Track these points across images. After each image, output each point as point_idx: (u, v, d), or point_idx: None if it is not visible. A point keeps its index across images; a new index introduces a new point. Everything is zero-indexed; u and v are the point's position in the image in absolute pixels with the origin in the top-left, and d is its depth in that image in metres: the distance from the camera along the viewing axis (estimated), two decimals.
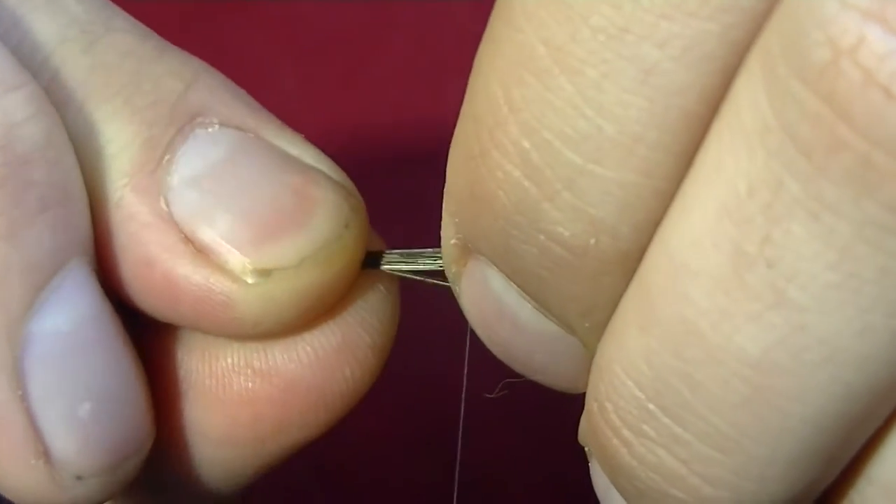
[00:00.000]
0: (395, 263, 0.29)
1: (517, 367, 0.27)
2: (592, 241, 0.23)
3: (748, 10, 0.21)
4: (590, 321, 0.24)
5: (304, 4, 0.55)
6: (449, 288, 0.28)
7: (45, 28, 0.28)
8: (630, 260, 0.23)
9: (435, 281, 0.29)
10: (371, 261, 0.29)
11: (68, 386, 0.26)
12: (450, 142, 0.26)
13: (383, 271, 0.29)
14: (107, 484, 0.27)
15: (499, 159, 0.23)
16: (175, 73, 0.28)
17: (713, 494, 0.23)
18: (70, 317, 0.26)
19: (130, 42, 0.28)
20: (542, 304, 0.25)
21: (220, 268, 0.27)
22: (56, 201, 0.26)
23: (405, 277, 0.30)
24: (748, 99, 0.21)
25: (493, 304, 0.26)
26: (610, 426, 0.24)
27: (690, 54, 0.21)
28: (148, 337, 0.29)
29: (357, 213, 0.28)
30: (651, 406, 0.23)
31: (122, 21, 0.29)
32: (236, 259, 0.27)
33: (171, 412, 0.29)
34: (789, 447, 0.22)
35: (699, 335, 0.22)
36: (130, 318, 0.28)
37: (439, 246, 0.27)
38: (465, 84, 0.26)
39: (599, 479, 0.26)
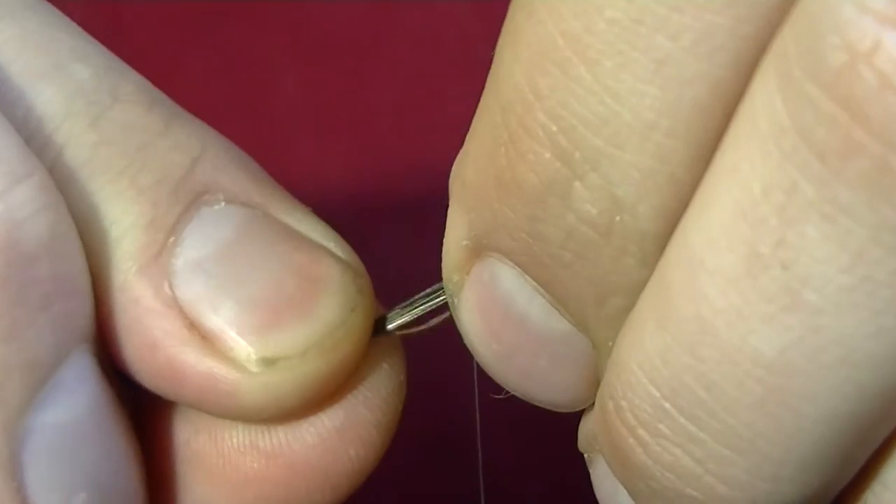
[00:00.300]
0: (398, 319, 0.29)
1: (516, 379, 0.27)
2: (617, 218, 0.23)
3: (758, 5, 0.21)
4: (606, 309, 0.24)
5: (307, 6, 0.55)
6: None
7: (52, 99, 0.27)
8: (648, 242, 0.23)
9: (442, 321, 0.29)
10: (377, 327, 0.29)
11: (65, 477, 0.26)
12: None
13: (391, 334, 0.29)
14: None
15: (530, 143, 0.23)
16: (181, 147, 0.28)
17: (728, 494, 0.23)
18: (69, 409, 0.26)
19: (137, 113, 0.28)
20: (559, 294, 0.25)
21: (225, 356, 0.27)
22: (59, 296, 0.25)
23: (412, 335, 0.29)
24: (764, 101, 0.21)
25: (500, 306, 0.26)
26: (626, 425, 0.24)
27: (701, 46, 0.21)
28: (156, 413, 0.29)
29: (363, 294, 0.28)
30: (667, 405, 0.23)
31: (130, 86, 0.28)
32: (241, 348, 0.26)
33: (178, 490, 0.29)
34: (803, 448, 0.22)
35: (715, 334, 0.22)
36: (137, 393, 0.28)
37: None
38: (468, 86, 0.26)
39: (604, 483, 0.26)
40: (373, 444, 0.29)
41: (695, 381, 0.22)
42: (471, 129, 0.25)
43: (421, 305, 0.29)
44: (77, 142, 0.27)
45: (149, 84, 0.29)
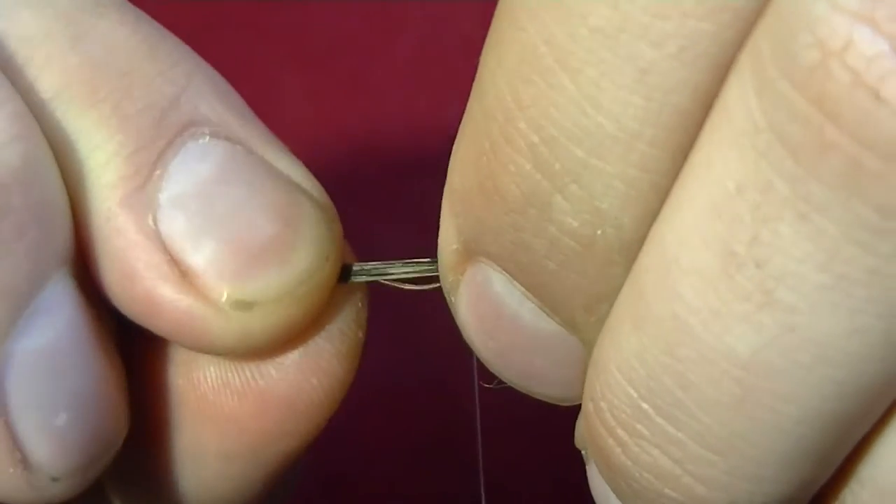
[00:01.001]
0: (364, 275, 0.30)
1: (514, 377, 0.27)
2: (599, 231, 0.23)
3: (742, 9, 0.21)
4: (595, 315, 0.24)
5: (309, 10, 0.55)
6: (432, 293, 0.28)
7: (29, 22, 0.27)
8: (633, 252, 0.23)
9: (406, 286, 0.29)
10: (343, 275, 0.29)
11: (46, 399, 0.26)
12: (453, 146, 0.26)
13: (354, 283, 0.29)
14: (80, 481, 0.27)
15: (511, 153, 0.23)
16: (167, 74, 0.27)
17: (707, 495, 0.23)
18: (49, 334, 0.26)
19: (121, 35, 0.27)
20: (548, 300, 0.25)
21: (202, 295, 0.27)
22: (34, 224, 0.25)
23: (377, 284, 0.30)
24: (738, 99, 0.21)
25: (493, 307, 0.26)
26: (605, 425, 0.24)
27: (686, 53, 0.21)
28: (146, 357, 0.30)
29: (336, 243, 0.28)
30: (644, 405, 0.23)
31: (113, 5, 0.28)
32: (218, 289, 0.27)
33: (171, 431, 0.30)
34: (782, 448, 0.22)
35: (690, 334, 0.22)
36: (129, 333, 0.29)
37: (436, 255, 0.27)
38: (469, 89, 0.26)
39: (597, 482, 0.26)
40: (335, 371, 0.29)
41: (672, 381, 0.22)
42: (457, 136, 0.25)
43: (393, 273, 0.29)
44: (57, 65, 0.27)
45: (131, 5, 0.28)
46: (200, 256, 0.27)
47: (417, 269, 0.29)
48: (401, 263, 0.30)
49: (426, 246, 0.30)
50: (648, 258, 0.22)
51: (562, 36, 0.22)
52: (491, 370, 0.27)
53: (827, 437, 0.22)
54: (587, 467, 0.27)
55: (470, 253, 0.26)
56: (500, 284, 0.26)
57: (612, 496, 0.25)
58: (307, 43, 0.55)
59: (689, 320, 0.22)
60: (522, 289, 0.25)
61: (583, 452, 0.27)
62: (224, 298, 0.27)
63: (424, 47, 0.52)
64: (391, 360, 0.51)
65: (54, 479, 0.27)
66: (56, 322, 0.26)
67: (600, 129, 0.22)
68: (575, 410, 0.27)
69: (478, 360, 0.29)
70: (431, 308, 0.33)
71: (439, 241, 0.27)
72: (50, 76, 0.27)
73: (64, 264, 0.26)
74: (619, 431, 0.23)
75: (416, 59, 0.53)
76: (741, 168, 0.21)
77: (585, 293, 0.24)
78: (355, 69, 0.54)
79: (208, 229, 0.27)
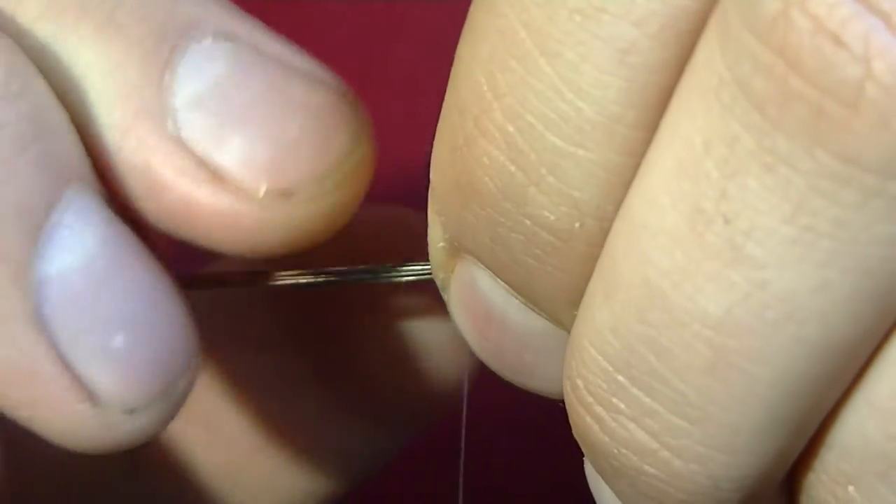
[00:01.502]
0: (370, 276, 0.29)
1: (508, 372, 0.27)
2: (577, 224, 0.23)
3: None
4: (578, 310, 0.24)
5: (312, 8, 0.55)
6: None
7: None
8: None
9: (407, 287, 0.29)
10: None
11: (94, 321, 0.24)
12: None
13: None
14: (161, 411, 0.26)
15: (485, 146, 0.23)
16: None
17: (684, 468, 0.23)
18: (78, 251, 0.24)
19: None
20: (530, 297, 0.25)
21: (240, 191, 0.26)
22: (34, 136, 0.24)
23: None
24: (704, 56, 0.21)
25: (481, 305, 0.26)
26: (582, 403, 0.23)
27: (668, 32, 0.21)
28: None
29: (364, 126, 0.27)
30: (620, 377, 0.23)
31: None
32: (256, 182, 0.26)
33: None
34: (756, 413, 0.22)
35: (661, 297, 0.21)
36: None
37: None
38: None
39: (589, 469, 0.26)
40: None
41: (645, 348, 0.22)
42: (436, 132, 0.25)
43: (397, 276, 0.29)
44: None
45: None
46: (230, 154, 0.25)
47: (419, 269, 0.29)
48: (403, 266, 0.29)
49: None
50: (618, 227, 0.22)
51: (541, 18, 0.21)
52: (488, 366, 0.27)
53: (799, 400, 0.22)
54: (585, 458, 0.27)
55: (455, 251, 0.26)
56: (485, 282, 0.26)
57: (601, 482, 0.25)
58: (308, 45, 0.55)
59: (659, 283, 0.21)
60: (506, 286, 0.25)
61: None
62: (263, 191, 0.26)
63: (427, 50, 0.53)
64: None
65: (130, 412, 0.25)
66: (84, 239, 0.25)
67: (580, 114, 0.22)
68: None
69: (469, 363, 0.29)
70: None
71: (428, 239, 0.27)
72: None
73: (82, 180, 0.25)
74: (597, 408, 0.23)
75: (419, 61, 0.53)
76: (707, 124, 0.20)
77: (567, 289, 0.24)
78: (357, 71, 0.54)
79: (232, 126, 0.26)
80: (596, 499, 0.27)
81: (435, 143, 0.25)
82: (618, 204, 0.22)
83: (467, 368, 0.30)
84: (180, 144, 0.26)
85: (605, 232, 0.23)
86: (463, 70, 0.23)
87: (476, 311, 0.26)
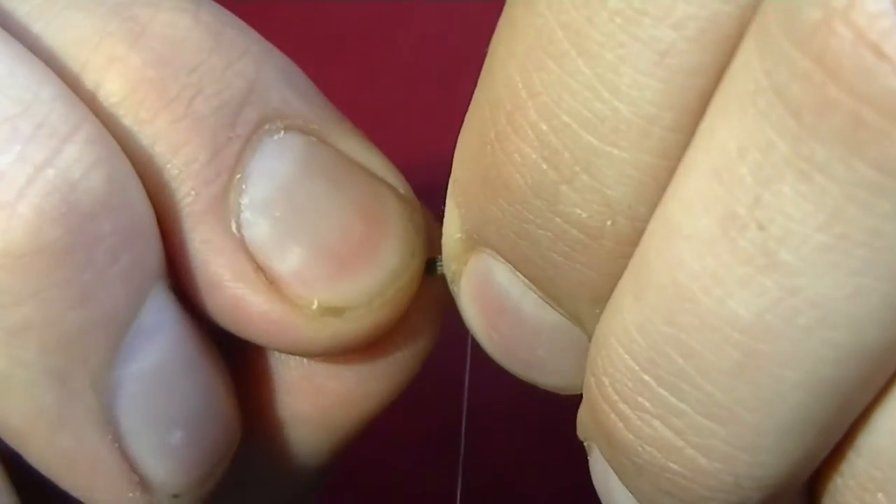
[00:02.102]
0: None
1: (517, 367, 0.27)
2: (609, 222, 0.23)
3: None
4: (601, 308, 0.24)
5: (313, 6, 0.55)
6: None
7: (82, 24, 0.25)
8: None
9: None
10: (427, 269, 0.29)
11: (159, 419, 0.25)
12: None
13: (436, 276, 0.29)
14: (200, 493, 0.27)
15: (517, 142, 0.23)
16: (236, 66, 0.26)
17: (709, 466, 0.23)
18: (153, 354, 0.25)
19: (182, 27, 0.26)
20: (552, 293, 0.25)
21: (292, 303, 0.26)
22: (126, 246, 0.25)
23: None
24: (742, 62, 0.21)
25: (495, 298, 0.26)
26: (607, 401, 0.24)
27: (706, 36, 0.21)
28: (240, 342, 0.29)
29: (420, 234, 0.28)
30: (646, 377, 0.23)
31: None
32: (308, 296, 0.26)
33: (269, 409, 0.29)
34: (783, 415, 0.22)
35: (692, 300, 0.22)
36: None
37: None
38: (476, 84, 0.26)
39: (598, 468, 0.26)
40: (420, 336, 0.29)
41: (673, 349, 0.22)
42: (462, 127, 0.25)
43: None
44: (119, 67, 0.25)
45: None
46: (287, 264, 0.26)
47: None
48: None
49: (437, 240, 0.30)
50: (652, 229, 0.22)
51: (580, 20, 0.22)
52: (495, 360, 0.27)
53: (825, 404, 0.22)
54: (589, 458, 0.26)
55: (473, 243, 0.26)
56: (503, 275, 0.25)
57: (613, 480, 0.25)
58: (312, 39, 0.55)
59: (690, 286, 0.21)
60: (525, 280, 0.25)
61: (585, 444, 0.27)
62: (315, 306, 0.26)
63: (430, 43, 0.52)
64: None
65: (175, 497, 0.26)
66: (160, 340, 0.25)
67: (616, 114, 0.22)
68: (574, 406, 0.27)
69: (470, 360, 0.29)
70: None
71: (443, 230, 0.27)
72: (113, 80, 0.25)
73: (159, 278, 0.26)
74: (621, 406, 0.23)
75: (422, 54, 0.53)
76: (743, 130, 0.20)
77: (592, 287, 0.24)
78: (361, 65, 0.54)
79: (294, 234, 0.26)
80: (605, 500, 0.27)
81: (461, 135, 0.25)
82: (650, 204, 0.22)
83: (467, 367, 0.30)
84: (242, 247, 0.26)
85: (635, 231, 0.23)
86: (497, 66, 0.23)
87: (489, 303, 0.26)
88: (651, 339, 0.22)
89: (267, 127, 0.26)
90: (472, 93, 0.27)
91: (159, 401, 0.25)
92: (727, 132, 0.21)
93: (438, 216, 0.28)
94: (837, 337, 0.21)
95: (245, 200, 0.26)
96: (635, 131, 0.22)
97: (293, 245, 0.26)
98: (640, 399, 0.23)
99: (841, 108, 0.19)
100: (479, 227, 0.25)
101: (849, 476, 0.23)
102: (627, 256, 0.23)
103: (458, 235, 0.26)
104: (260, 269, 0.26)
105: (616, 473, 0.25)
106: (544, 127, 0.22)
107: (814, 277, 0.20)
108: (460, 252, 0.26)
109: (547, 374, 0.27)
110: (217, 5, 0.27)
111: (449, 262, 0.27)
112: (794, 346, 0.21)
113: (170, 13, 0.26)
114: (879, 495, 0.23)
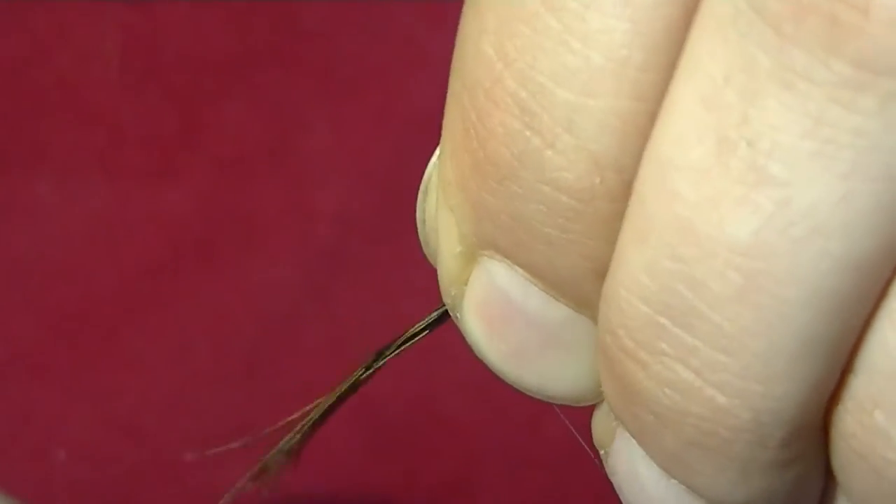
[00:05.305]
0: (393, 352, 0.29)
1: (531, 379, 0.26)
2: (598, 180, 0.23)
3: None
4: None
5: (332, 44, 0.55)
6: None
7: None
8: None
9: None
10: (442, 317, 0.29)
11: None
12: None
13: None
14: None
15: (499, 115, 0.23)
16: None
17: (727, 403, 0.23)
18: None
19: None
20: (553, 278, 0.25)
21: None
22: None
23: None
24: None
25: (499, 305, 0.26)
26: (625, 351, 0.23)
27: None
28: None
29: None
30: (661, 319, 0.23)
31: None
32: None
33: None
34: (788, 338, 0.22)
35: (692, 230, 0.22)
36: None
37: None
38: None
39: (622, 461, 0.26)
40: None
41: (682, 284, 0.22)
42: (443, 129, 0.25)
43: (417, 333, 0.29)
44: None
45: None
46: None
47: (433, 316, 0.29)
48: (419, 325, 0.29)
49: None
50: (644, 174, 0.22)
51: None
52: (508, 380, 0.27)
53: (829, 320, 0.22)
54: (608, 459, 0.26)
55: (472, 251, 0.26)
56: (503, 275, 0.25)
57: (642, 464, 0.25)
58: (332, 77, 0.56)
59: (689, 216, 0.22)
60: (524, 273, 0.25)
61: (601, 452, 0.26)
62: None
63: (445, 86, 0.53)
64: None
65: None
66: None
67: (588, 62, 0.22)
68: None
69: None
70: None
71: (440, 255, 0.27)
72: None
73: None
74: (641, 353, 0.23)
75: (441, 92, 0.53)
76: (726, 55, 0.21)
77: (592, 257, 0.24)
78: (381, 103, 0.55)
79: None
80: (633, 494, 0.26)
81: (444, 136, 0.25)
82: (634, 155, 0.22)
83: None
84: None
85: (624, 185, 0.23)
86: (470, 48, 0.24)
87: (493, 312, 0.26)
88: (660, 280, 0.22)
89: None
90: None
91: None
92: (711, 60, 0.21)
93: None
94: (832, 246, 0.21)
95: None
96: (609, 77, 0.22)
97: None
98: (658, 343, 0.23)
99: (817, 12, 0.20)
100: (475, 225, 0.25)
101: (847, 399, 0.23)
102: (621, 215, 0.23)
103: (458, 249, 0.26)
104: None
105: (639, 442, 0.25)
106: (523, 94, 0.23)
107: (804, 187, 0.21)
108: (460, 269, 0.26)
109: (561, 381, 0.26)
110: None
111: (448, 287, 0.27)
112: (791, 260, 0.21)
113: None
114: (877, 413, 0.22)
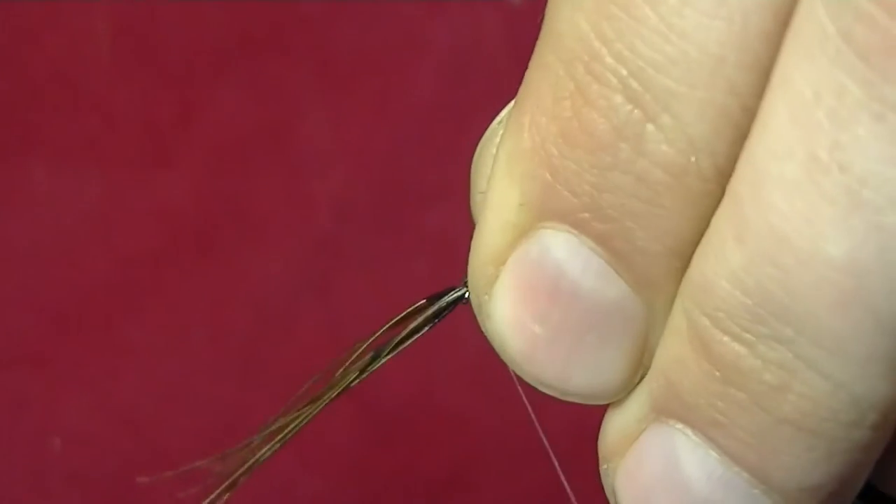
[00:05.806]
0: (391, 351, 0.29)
1: (555, 368, 0.26)
2: (693, 158, 0.24)
3: None
4: (681, 260, 0.25)
5: (330, 32, 0.55)
6: None
7: None
8: (726, 179, 0.24)
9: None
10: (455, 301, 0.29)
11: None
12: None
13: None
14: None
15: (600, 89, 0.24)
16: None
17: (828, 386, 0.24)
18: None
19: None
20: (626, 250, 0.25)
21: None
22: None
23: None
24: (807, 11, 0.22)
25: (548, 281, 0.26)
26: (729, 332, 0.24)
27: None
28: None
29: None
30: (761, 311, 0.24)
31: None
32: None
33: None
34: (885, 343, 0.23)
35: (788, 242, 0.23)
36: None
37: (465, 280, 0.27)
38: (495, 111, 0.26)
39: (654, 458, 0.26)
40: None
41: (779, 288, 0.23)
42: (517, 100, 0.26)
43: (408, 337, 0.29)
44: None
45: None
46: None
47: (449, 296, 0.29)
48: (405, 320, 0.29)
49: (453, 272, 0.29)
50: (741, 173, 0.23)
51: None
52: (524, 372, 0.26)
53: None
54: (611, 478, 0.26)
55: (530, 222, 0.26)
56: (563, 248, 0.25)
57: (685, 454, 0.25)
58: (331, 65, 0.55)
59: (784, 228, 0.23)
60: (592, 243, 0.25)
61: (604, 467, 0.26)
62: None
63: (448, 69, 0.52)
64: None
65: None
66: None
67: (686, 56, 0.23)
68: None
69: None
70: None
71: (481, 231, 0.26)
72: None
73: None
74: (746, 335, 0.24)
75: (440, 81, 0.53)
76: (815, 75, 0.22)
77: (674, 234, 0.25)
78: (379, 92, 0.54)
79: None
80: (671, 487, 0.26)
81: (521, 104, 0.25)
82: (728, 142, 0.24)
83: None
84: None
85: (716, 168, 0.24)
86: (564, 23, 0.24)
87: (539, 290, 0.26)
88: (757, 279, 0.24)
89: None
90: (489, 120, 0.26)
91: None
92: (801, 78, 0.22)
93: (453, 244, 0.27)
94: None
95: None
96: (706, 72, 0.23)
97: None
98: (759, 328, 0.24)
99: None
100: (546, 194, 0.25)
101: None
102: (709, 195, 0.24)
103: (512, 220, 0.26)
104: None
105: (711, 428, 0.25)
106: (624, 72, 0.24)
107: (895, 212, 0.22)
108: (507, 244, 0.26)
109: (590, 369, 0.26)
110: None
111: (485, 266, 0.26)
112: (885, 279, 0.22)
113: None
114: None
